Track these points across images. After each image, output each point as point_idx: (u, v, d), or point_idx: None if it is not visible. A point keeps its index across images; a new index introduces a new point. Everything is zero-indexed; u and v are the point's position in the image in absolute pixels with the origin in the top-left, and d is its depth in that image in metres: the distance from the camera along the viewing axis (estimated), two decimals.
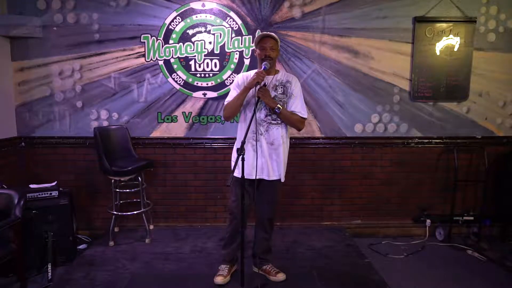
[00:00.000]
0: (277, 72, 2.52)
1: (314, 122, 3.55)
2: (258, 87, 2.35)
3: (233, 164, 2.54)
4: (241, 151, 2.11)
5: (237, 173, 2.27)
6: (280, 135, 2.46)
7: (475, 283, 2.77)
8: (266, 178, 2.48)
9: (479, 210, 3.59)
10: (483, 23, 3.45)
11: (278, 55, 2.54)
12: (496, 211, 3.58)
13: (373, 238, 3.57)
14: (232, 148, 2.59)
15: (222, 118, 3.47)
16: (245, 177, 2.20)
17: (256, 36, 2.54)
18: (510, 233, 3.54)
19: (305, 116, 2.49)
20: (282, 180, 2.52)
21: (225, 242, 2.69)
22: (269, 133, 2.45)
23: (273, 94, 2.44)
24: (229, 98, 2.49)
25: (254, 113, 2.29)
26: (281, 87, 2.47)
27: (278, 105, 2.36)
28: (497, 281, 2.80)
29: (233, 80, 2.80)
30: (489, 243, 3.38)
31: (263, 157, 2.45)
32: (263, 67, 2.37)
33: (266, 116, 2.45)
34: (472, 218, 3.53)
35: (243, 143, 2.13)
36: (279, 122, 2.46)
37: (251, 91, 2.38)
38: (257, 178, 2.42)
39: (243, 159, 2.15)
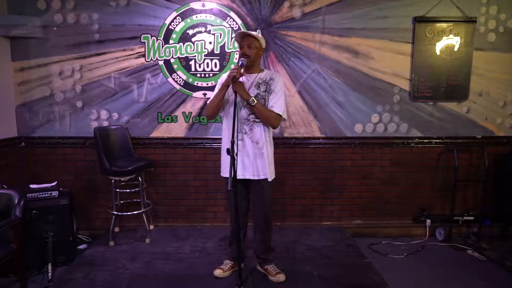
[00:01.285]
0: (261, 71, 2.53)
1: (314, 122, 3.55)
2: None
3: (223, 166, 2.57)
4: (232, 151, 2.11)
5: (227, 174, 2.24)
6: (263, 133, 2.46)
7: (475, 283, 2.77)
8: (252, 178, 2.47)
9: (479, 210, 3.59)
10: (483, 23, 3.45)
11: (261, 53, 2.52)
12: (496, 211, 3.58)
13: (373, 238, 3.57)
14: None
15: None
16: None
17: (235, 35, 2.52)
18: (510, 233, 3.54)
19: (280, 113, 2.43)
20: (269, 179, 2.50)
21: (229, 240, 2.77)
22: (254, 132, 2.45)
23: (255, 92, 2.44)
24: (211, 98, 2.51)
25: (235, 108, 2.26)
26: (264, 85, 2.47)
27: (252, 98, 2.35)
28: (497, 281, 2.80)
29: None
30: (489, 243, 3.38)
31: (248, 157, 2.45)
32: (240, 63, 2.37)
33: (249, 115, 2.45)
34: (472, 218, 3.53)
35: (232, 142, 2.13)
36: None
37: (231, 90, 2.38)
38: (243, 178, 2.44)
39: (234, 158, 2.13)
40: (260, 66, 2.59)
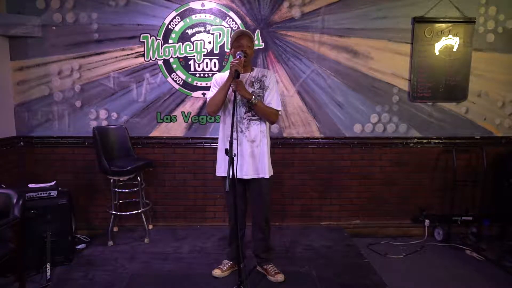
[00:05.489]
0: (252, 69, 2.55)
1: (313, 122, 3.55)
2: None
3: (218, 165, 2.58)
4: (231, 151, 2.11)
5: (225, 173, 2.24)
6: (260, 130, 2.48)
7: (474, 283, 2.77)
8: (249, 177, 2.47)
9: (478, 210, 3.60)
10: (482, 24, 3.46)
11: (253, 54, 2.57)
12: (494, 211, 3.59)
13: (372, 238, 3.57)
14: None
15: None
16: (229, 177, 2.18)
17: (232, 35, 2.53)
18: (508, 233, 3.55)
19: (279, 108, 2.49)
20: (267, 176, 2.50)
21: (228, 240, 2.76)
22: (250, 130, 2.46)
23: (250, 90, 2.44)
24: (210, 95, 2.51)
25: (234, 108, 2.24)
26: (258, 82, 2.49)
27: (254, 96, 2.37)
28: (495, 281, 2.80)
29: None
30: (488, 243, 3.38)
31: (244, 156, 2.45)
32: (237, 56, 2.37)
33: (245, 113, 2.46)
34: (470, 218, 3.53)
35: (231, 142, 2.14)
36: (259, 117, 2.47)
37: (230, 90, 2.39)
38: (241, 178, 2.43)
39: (232, 159, 2.13)
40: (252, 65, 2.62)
